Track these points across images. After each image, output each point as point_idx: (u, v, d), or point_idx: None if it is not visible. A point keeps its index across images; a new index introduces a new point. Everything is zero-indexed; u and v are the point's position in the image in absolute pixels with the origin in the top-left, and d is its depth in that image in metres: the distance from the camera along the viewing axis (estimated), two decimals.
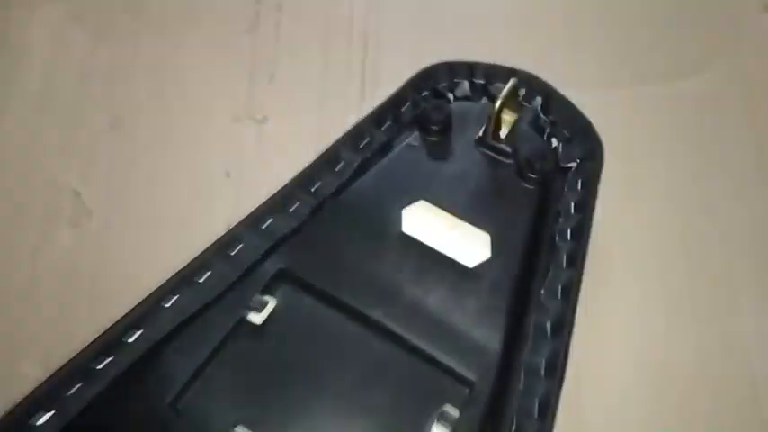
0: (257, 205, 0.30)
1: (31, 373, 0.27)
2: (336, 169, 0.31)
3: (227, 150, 0.36)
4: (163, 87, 0.38)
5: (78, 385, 0.25)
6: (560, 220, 0.29)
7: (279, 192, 0.30)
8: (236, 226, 0.29)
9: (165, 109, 0.37)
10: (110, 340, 0.26)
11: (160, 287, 0.28)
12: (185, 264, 0.28)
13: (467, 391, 0.25)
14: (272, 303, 0.27)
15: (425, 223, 0.29)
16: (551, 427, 0.25)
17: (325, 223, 0.29)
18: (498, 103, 0.29)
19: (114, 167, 0.36)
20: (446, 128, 0.31)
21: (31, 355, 0.32)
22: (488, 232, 0.28)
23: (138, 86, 0.38)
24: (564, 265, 0.28)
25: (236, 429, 0.24)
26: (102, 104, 0.38)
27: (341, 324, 0.27)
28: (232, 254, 0.29)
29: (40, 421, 0.24)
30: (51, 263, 0.34)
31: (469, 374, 0.26)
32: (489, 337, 0.26)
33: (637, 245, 0.33)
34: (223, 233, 0.29)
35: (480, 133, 0.30)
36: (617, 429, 0.29)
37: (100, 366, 0.26)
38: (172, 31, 0.40)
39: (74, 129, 0.37)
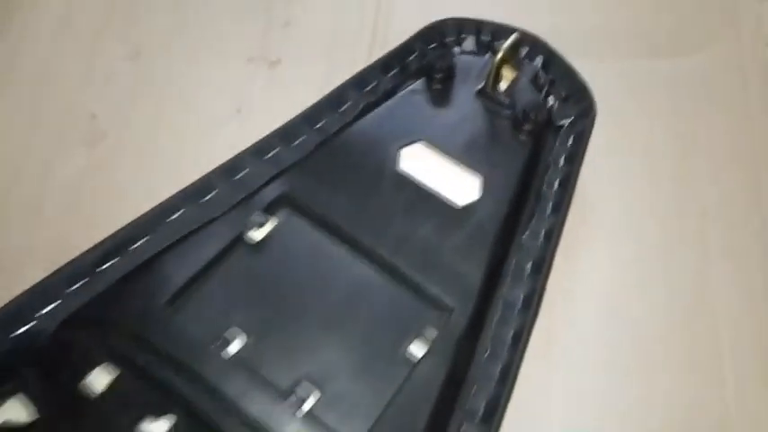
0: None
1: (36, 278, 0.29)
2: (341, 109, 0.33)
3: (240, 88, 0.38)
4: (182, 25, 0.40)
5: (82, 281, 0.27)
6: (549, 171, 0.31)
7: (285, 125, 0.32)
8: (242, 152, 0.31)
9: (183, 45, 0.39)
10: (114, 244, 0.28)
11: (165, 201, 0.30)
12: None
13: (447, 315, 0.27)
14: (271, 223, 0.29)
15: (421, 163, 0.30)
16: (522, 355, 0.27)
17: (326, 157, 0.31)
18: (500, 55, 0.31)
19: (130, 96, 0.37)
20: (449, 77, 0.32)
21: (37, 263, 0.34)
22: (481, 176, 0.30)
23: (159, 22, 0.40)
24: (548, 212, 0.30)
25: (229, 330, 0.26)
26: (122, 36, 0.39)
27: (334, 248, 0.28)
28: (236, 178, 0.30)
29: (44, 311, 0.26)
30: (64, 179, 0.36)
31: (450, 302, 0.27)
32: (471, 271, 0.28)
33: (617, 201, 0.35)
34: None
35: (481, 85, 0.32)
36: (581, 366, 0.31)
37: (104, 267, 0.28)
38: None
39: (93, 57, 0.38)
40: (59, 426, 0.24)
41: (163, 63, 0.38)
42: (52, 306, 0.26)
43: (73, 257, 0.28)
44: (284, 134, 0.32)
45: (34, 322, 0.25)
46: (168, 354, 0.25)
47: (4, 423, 0.24)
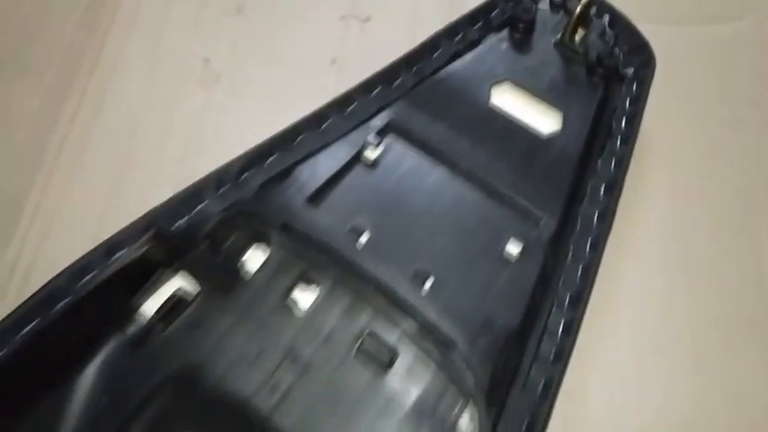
0: None
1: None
2: (434, 55, 0.37)
3: (334, 42, 0.43)
4: None
5: (227, 186, 0.32)
6: (617, 110, 0.36)
7: (384, 68, 0.37)
8: (350, 90, 0.36)
9: (282, 4, 0.44)
10: (250, 159, 0.33)
11: (287, 128, 0.34)
12: None
13: (536, 225, 0.32)
14: (382, 145, 0.34)
15: (510, 99, 0.35)
16: (600, 258, 0.32)
17: (425, 94, 0.36)
18: (579, 9, 0.35)
19: (238, 45, 0.42)
20: (530, 29, 0.37)
21: (163, 186, 0.38)
22: (561, 112, 0.35)
23: None
24: (618, 144, 0.35)
25: (357, 225, 0.31)
26: None
27: (436, 167, 0.33)
28: (347, 110, 0.35)
29: (200, 206, 0.31)
30: (181, 117, 0.40)
31: (538, 214, 0.32)
32: (555, 189, 0.33)
33: (674, 141, 0.40)
34: None
35: (558, 37, 0.37)
36: (649, 261, 0.37)
37: (244, 176, 0.32)
38: None
39: (203, 9, 0.43)
40: (220, 297, 0.29)
41: (264, 19, 0.43)
42: (206, 203, 0.31)
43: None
44: (385, 76, 0.36)
45: (196, 211, 0.30)
46: (311, 237, 0.30)
47: (175, 292, 0.29)
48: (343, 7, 0.43)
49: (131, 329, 0.28)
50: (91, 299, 0.27)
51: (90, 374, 0.28)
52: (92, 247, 0.29)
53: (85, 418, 0.27)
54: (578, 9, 0.36)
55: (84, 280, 0.28)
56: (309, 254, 0.30)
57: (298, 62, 0.42)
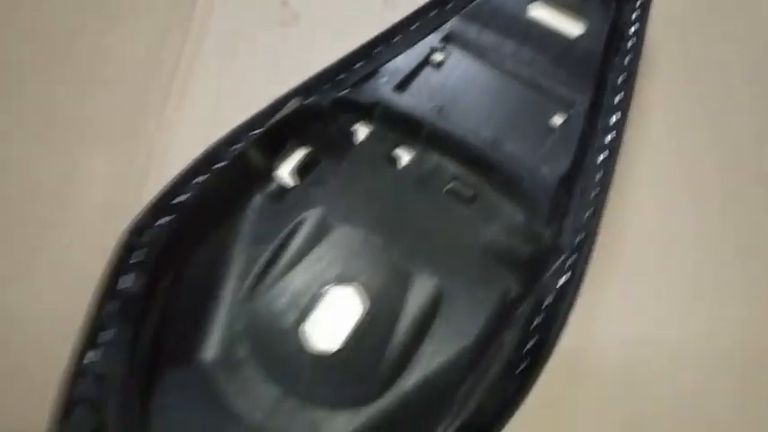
0: None
1: None
2: None
3: None
4: None
5: (329, 84, 0.40)
6: (626, 26, 0.45)
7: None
8: (412, 13, 0.44)
9: None
10: (342, 65, 0.41)
11: (364, 43, 0.43)
12: None
13: (572, 105, 0.41)
14: (445, 52, 0.42)
15: (542, 12, 0.44)
16: (622, 131, 0.41)
17: (473, 12, 0.44)
18: None
19: None
20: None
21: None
22: (585, 22, 0.44)
23: None
24: (629, 45, 0.44)
25: (434, 103, 0.39)
26: None
27: (488, 67, 0.42)
28: (413, 27, 0.44)
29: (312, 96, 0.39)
30: (265, 51, 0.49)
31: (574, 96, 0.41)
32: (586, 78, 0.42)
33: (675, 67, 0.49)
34: None
35: None
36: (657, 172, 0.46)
37: (338, 78, 0.41)
38: None
39: None
40: (337, 159, 0.38)
41: None
42: (315, 96, 0.39)
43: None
44: (437, 3, 0.45)
45: (309, 101, 0.39)
46: (404, 111, 0.38)
47: (302, 158, 0.37)
48: None
49: (271, 187, 0.37)
50: (240, 160, 0.36)
51: (242, 220, 0.36)
52: None
53: (242, 248, 0.35)
54: None
55: (233, 148, 0.36)
56: (404, 124, 0.38)
57: (352, 6, 0.51)
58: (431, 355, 0.35)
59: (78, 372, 0.33)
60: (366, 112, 0.39)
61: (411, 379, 0.35)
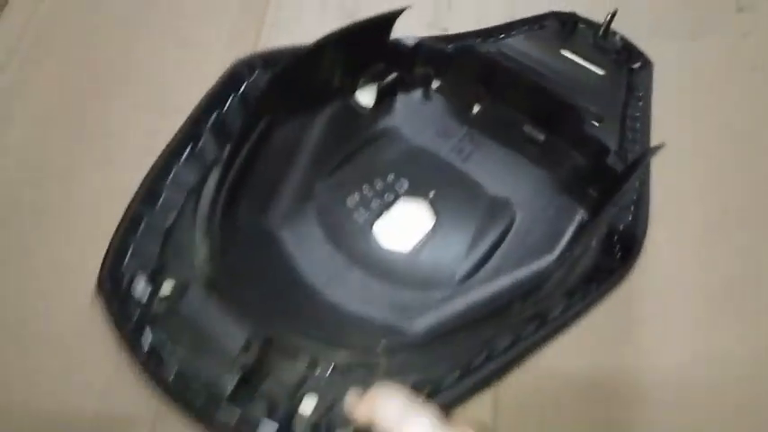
0: None
1: None
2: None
3: None
4: None
5: None
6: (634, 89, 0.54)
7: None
8: None
9: None
10: None
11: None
12: None
13: (602, 119, 0.47)
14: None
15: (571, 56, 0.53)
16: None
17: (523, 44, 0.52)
18: (608, 18, 0.55)
19: None
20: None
21: None
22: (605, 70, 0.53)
23: None
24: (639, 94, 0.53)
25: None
26: None
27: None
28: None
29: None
30: None
31: (602, 113, 0.48)
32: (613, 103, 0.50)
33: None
34: None
35: (600, 33, 0.56)
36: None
37: None
38: None
39: None
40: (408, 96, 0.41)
41: None
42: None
43: None
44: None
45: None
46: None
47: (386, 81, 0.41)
48: None
49: (352, 100, 0.40)
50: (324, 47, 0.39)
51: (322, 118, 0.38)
52: None
53: (321, 141, 0.37)
54: (608, 18, 0.56)
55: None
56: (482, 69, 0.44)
57: None
58: (497, 270, 0.36)
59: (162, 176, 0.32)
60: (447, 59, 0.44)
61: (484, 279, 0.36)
